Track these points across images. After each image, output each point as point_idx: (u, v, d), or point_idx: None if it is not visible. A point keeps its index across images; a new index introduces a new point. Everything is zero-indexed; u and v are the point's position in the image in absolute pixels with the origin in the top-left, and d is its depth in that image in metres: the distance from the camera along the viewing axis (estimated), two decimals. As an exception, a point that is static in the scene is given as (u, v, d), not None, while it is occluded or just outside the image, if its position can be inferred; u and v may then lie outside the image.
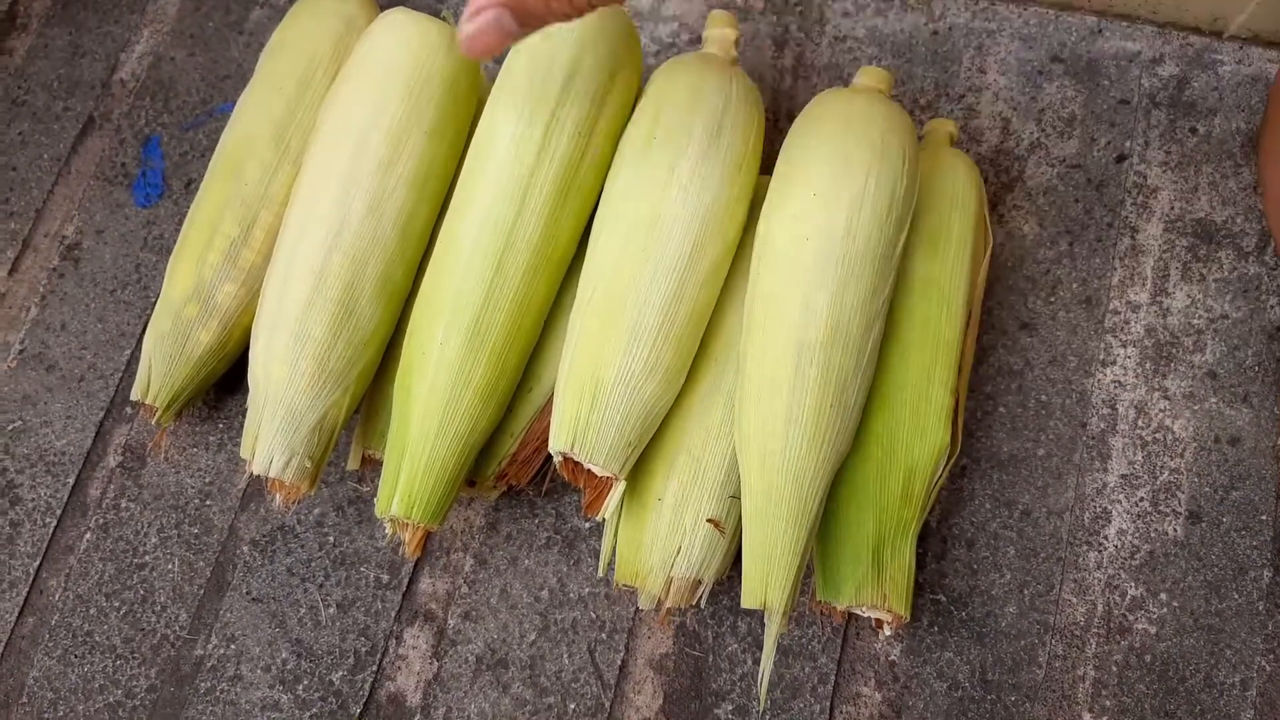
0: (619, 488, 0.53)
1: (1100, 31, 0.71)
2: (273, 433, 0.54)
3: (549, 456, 0.58)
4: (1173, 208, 0.66)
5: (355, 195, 0.55)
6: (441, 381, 0.53)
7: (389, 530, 0.55)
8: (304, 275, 0.54)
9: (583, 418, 0.52)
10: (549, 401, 0.58)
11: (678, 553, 0.54)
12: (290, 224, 0.56)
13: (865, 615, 0.55)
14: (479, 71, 0.61)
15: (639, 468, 0.55)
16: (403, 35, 0.58)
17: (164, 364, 0.60)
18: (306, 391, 0.54)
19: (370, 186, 0.55)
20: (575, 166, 0.55)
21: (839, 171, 0.52)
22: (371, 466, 0.61)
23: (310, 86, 0.63)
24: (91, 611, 0.62)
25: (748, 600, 0.51)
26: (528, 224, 0.54)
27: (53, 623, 0.62)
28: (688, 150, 0.54)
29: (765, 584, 0.51)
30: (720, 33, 0.59)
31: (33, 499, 0.64)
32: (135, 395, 0.60)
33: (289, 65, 0.63)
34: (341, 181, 0.55)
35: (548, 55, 0.55)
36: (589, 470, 0.53)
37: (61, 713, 0.60)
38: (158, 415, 0.60)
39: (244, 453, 0.55)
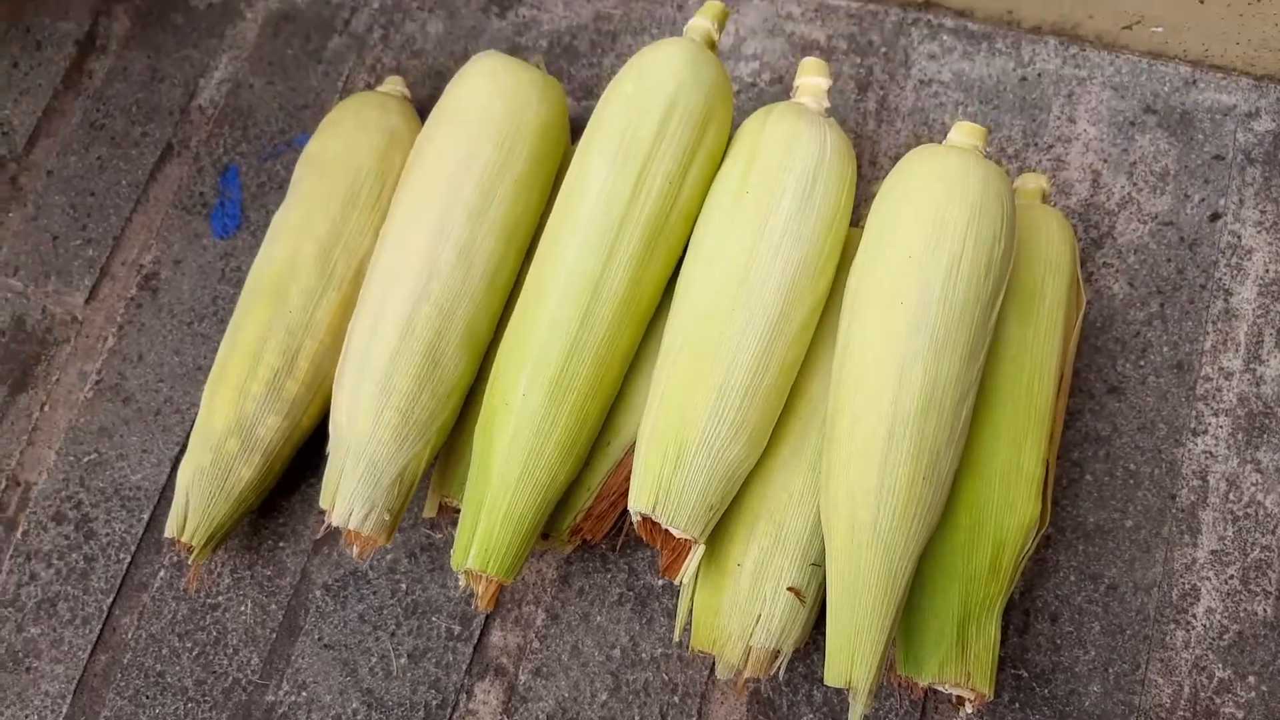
0: (698, 551, 0.52)
1: (1194, 82, 0.69)
2: (354, 485, 0.54)
3: (624, 512, 0.57)
4: (1268, 270, 0.64)
5: (445, 244, 0.55)
6: (523, 432, 0.53)
7: (463, 582, 0.55)
8: (392, 325, 0.54)
9: (665, 478, 0.51)
10: (626, 455, 0.58)
11: (757, 621, 0.53)
12: (378, 269, 0.56)
13: (947, 691, 0.54)
14: (567, 116, 0.60)
15: (718, 530, 0.54)
16: (497, 82, 0.57)
17: (203, 501, 0.58)
18: (389, 444, 0.54)
19: (461, 235, 0.55)
20: (664, 217, 0.54)
21: (935, 233, 0.51)
22: (447, 514, 0.60)
23: (356, 206, 0.61)
24: (164, 651, 0.62)
25: (831, 678, 0.50)
26: (614, 276, 0.53)
27: (125, 661, 0.62)
28: (780, 207, 0.53)
29: (850, 662, 0.50)
30: (813, 82, 0.58)
31: (107, 534, 0.65)
32: (170, 533, 0.58)
33: (333, 183, 0.62)
34: (432, 229, 0.55)
35: (641, 105, 0.55)
36: (668, 531, 0.52)
37: (133, 750, 0.60)
38: (195, 553, 0.58)
39: (323, 503, 0.55)
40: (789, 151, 0.54)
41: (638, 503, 0.52)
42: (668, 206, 0.55)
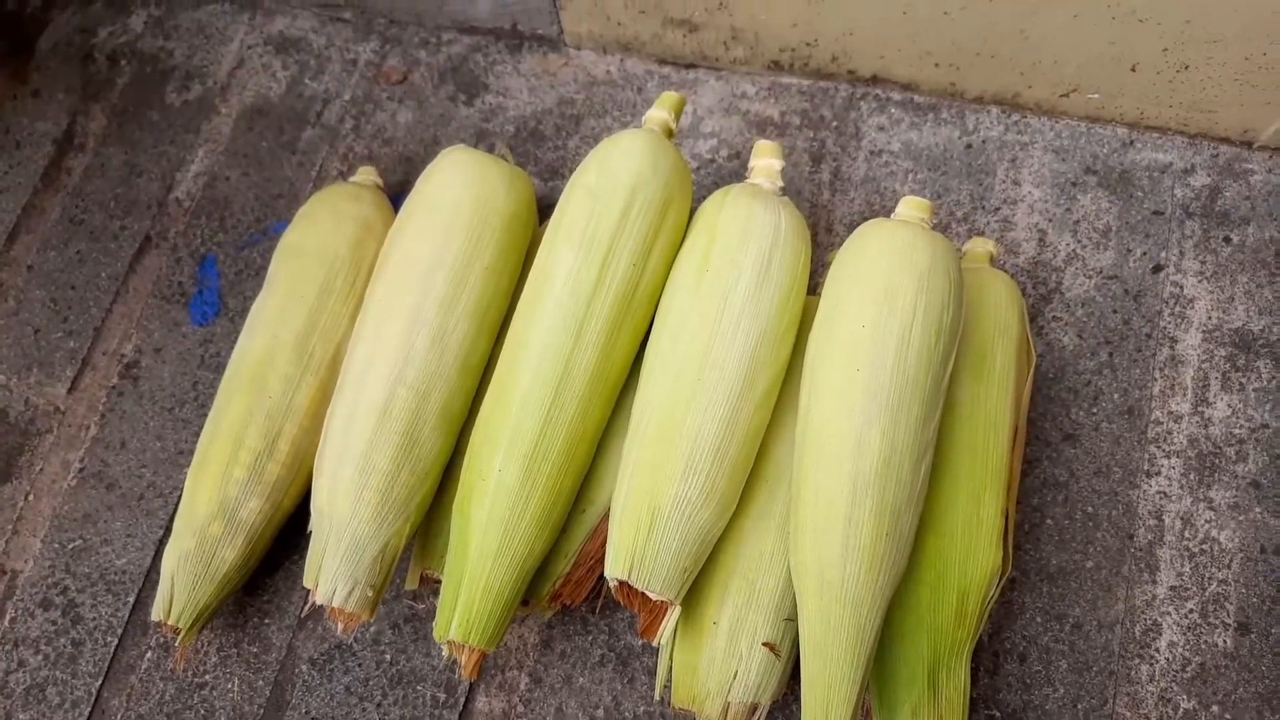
0: (674, 612, 0.54)
1: (1132, 143, 0.72)
2: (336, 564, 0.55)
3: (601, 575, 0.59)
4: (1210, 317, 0.67)
5: (420, 332, 0.57)
6: (500, 507, 0.54)
7: (446, 653, 0.56)
8: (370, 409, 0.56)
9: (639, 545, 0.53)
10: (602, 521, 0.59)
11: (734, 678, 0.54)
12: (356, 357, 0.58)
13: (921, 735, 0.55)
14: (534, 204, 0.63)
15: (694, 591, 0.56)
16: (466, 175, 0.60)
17: (188, 584, 0.59)
18: (370, 522, 0.55)
19: (434, 323, 0.57)
20: (629, 298, 0.57)
21: (886, 303, 0.54)
22: (428, 585, 0.62)
23: (331, 294, 0.63)
24: (152, 732, 0.63)
25: None
26: (584, 353, 0.56)
27: (114, 743, 0.63)
28: (739, 284, 0.55)
29: (825, 713, 0.51)
30: (766, 163, 0.61)
31: (94, 618, 0.66)
32: (157, 616, 0.59)
33: (309, 273, 0.64)
34: (407, 318, 0.57)
35: (604, 195, 0.57)
36: (645, 595, 0.54)
37: (123, 835, 0.61)
38: (182, 635, 0.59)
39: (307, 582, 0.56)
40: (746, 231, 0.57)
41: (614, 569, 0.54)
42: (632, 288, 0.57)
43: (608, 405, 0.58)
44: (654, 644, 0.54)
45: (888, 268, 0.54)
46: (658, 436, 0.54)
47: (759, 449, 0.57)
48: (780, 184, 0.60)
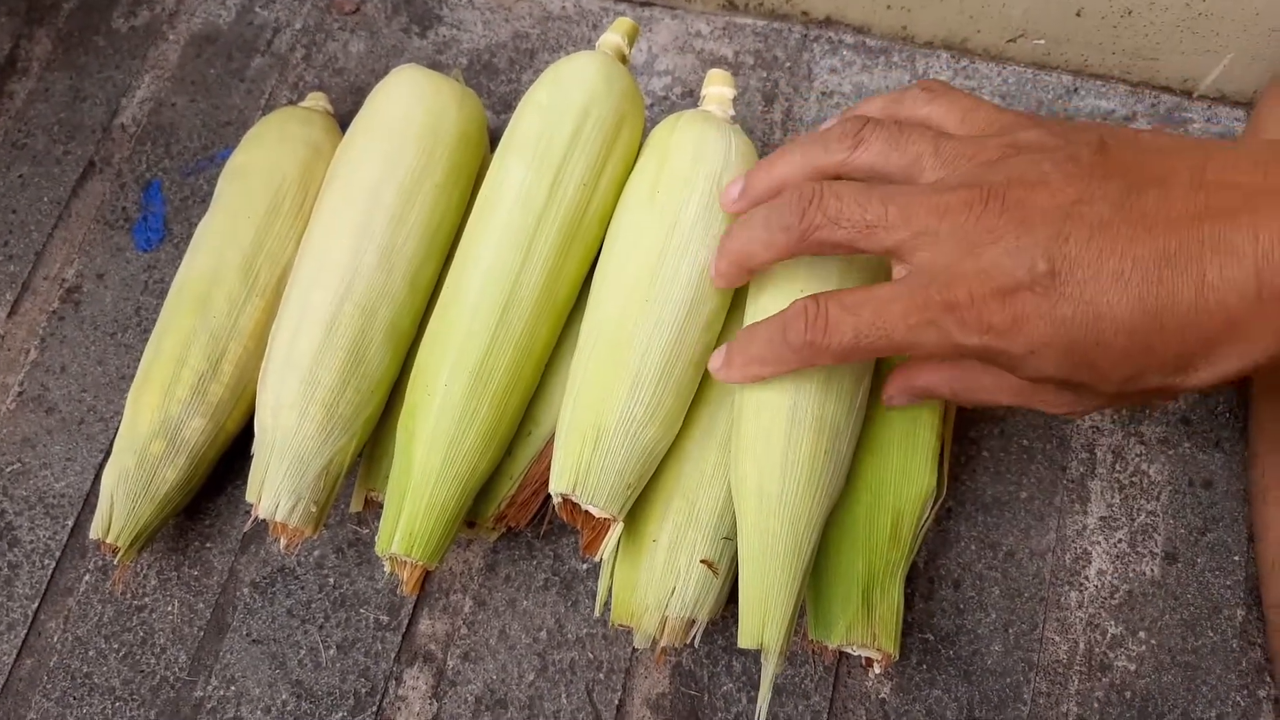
0: (617, 529, 0.54)
1: (1076, 90, 0.74)
2: (280, 478, 0.55)
3: (547, 499, 0.59)
4: (1146, 259, 0.68)
5: (368, 248, 0.57)
6: (445, 423, 0.55)
7: (388, 569, 0.56)
8: (315, 324, 0.56)
9: (584, 461, 0.53)
10: (548, 444, 0.60)
11: (672, 593, 0.55)
12: (301, 272, 0.58)
13: (856, 654, 0.57)
14: (485, 126, 0.63)
15: (635, 510, 0.57)
16: (417, 91, 0.60)
17: (127, 502, 0.59)
18: (314, 437, 0.55)
19: (382, 239, 0.57)
20: (579, 218, 0.57)
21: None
22: (373, 509, 0.62)
23: (279, 215, 0.63)
24: (90, 653, 0.62)
25: (745, 640, 0.53)
26: (533, 271, 0.56)
27: (51, 664, 0.62)
28: (689, 204, 0.56)
29: (762, 624, 0.52)
30: (718, 91, 0.61)
31: (31, 540, 0.65)
32: (95, 534, 0.59)
33: (256, 193, 0.63)
34: (354, 234, 0.57)
35: (556, 112, 0.57)
36: (588, 511, 0.54)
37: (60, 754, 0.60)
38: (120, 554, 0.59)
39: (250, 496, 0.56)
40: (697, 154, 0.57)
41: (558, 484, 0.54)
42: (583, 207, 0.58)
43: (556, 325, 0.58)
44: (595, 559, 0.55)
45: None
46: (604, 354, 0.55)
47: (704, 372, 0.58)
48: (732, 112, 0.61)
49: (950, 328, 0.42)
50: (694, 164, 0.57)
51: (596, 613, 0.59)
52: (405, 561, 0.55)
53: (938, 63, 0.75)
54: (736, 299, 0.58)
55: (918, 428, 0.57)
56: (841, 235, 0.45)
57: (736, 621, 0.59)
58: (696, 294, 0.55)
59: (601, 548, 0.55)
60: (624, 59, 0.62)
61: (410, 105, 0.60)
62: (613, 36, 0.62)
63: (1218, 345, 0.40)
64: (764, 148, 0.73)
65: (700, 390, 0.58)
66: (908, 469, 0.57)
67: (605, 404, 0.54)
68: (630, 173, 0.60)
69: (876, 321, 0.44)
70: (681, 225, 0.56)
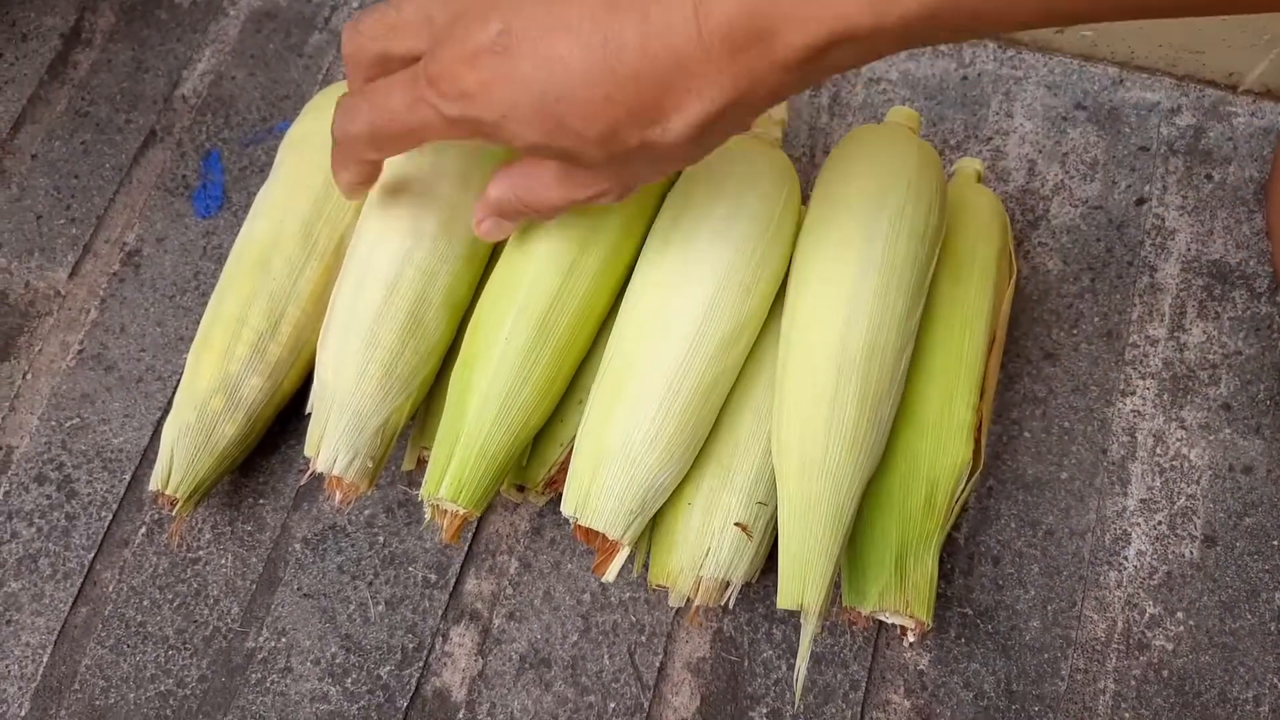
0: (622, 554, 0.55)
1: (1122, 82, 0.74)
2: (338, 433, 0.56)
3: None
4: (1189, 249, 0.69)
5: (430, 212, 0.58)
6: (504, 373, 0.56)
7: (428, 515, 0.57)
8: (377, 284, 0.57)
9: (585, 485, 0.55)
10: (597, 412, 0.61)
11: (706, 554, 0.56)
12: (365, 233, 0.59)
13: (889, 621, 0.57)
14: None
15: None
16: None
17: (187, 456, 0.60)
18: (373, 395, 0.56)
19: (445, 204, 0.58)
20: (651, 188, 0.58)
21: (877, 200, 0.56)
22: (424, 469, 0.63)
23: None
24: (145, 603, 0.64)
25: (784, 601, 0.54)
26: (602, 233, 0.57)
27: (106, 613, 0.64)
28: (702, 233, 0.57)
29: (802, 585, 0.53)
30: (764, 113, 0.62)
31: (89, 493, 0.67)
32: (154, 486, 0.60)
33: (316, 162, 0.64)
34: (417, 196, 0.58)
35: None
36: (601, 533, 0.55)
37: (113, 700, 0.62)
38: (178, 506, 0.61)
39: (308, 451, 0.57)
40: (720, 181, 0.58)
41: (566, 507, 0.55)
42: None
43: (614, 291, 0.59)
44: (602, 580, 0.55)
45: (879, 167, 0.57)
46: (613, 379, 0.56)
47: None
48: (778, 135, 0.61)
49: (436, 101, 0.43)
50: (713, 195, 0.58)
51: (634, 572, 0.60)
52: (447, 509, 0.56)
53: (984, 52, 0.76)
54: (770, 325, 0.59)
55: (954, 403, 0.58)
56: (378, 46, 0.47)
57: (776, 589, 0.60)
58: (705, 321, 0.56)
59: (608, 571, 0.55)
60: None
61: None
62: None
63: (674, 90, 0.40)
64: (811, 131, 0.74)
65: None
66: (943, 441, 0.58)
67: (607, 429, 0.55)
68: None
69: (384, 104, 0.46)
70: (693, 253, 0.57)
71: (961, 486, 0.58)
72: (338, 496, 0.58)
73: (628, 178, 0.47)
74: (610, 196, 0.47)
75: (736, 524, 0.56)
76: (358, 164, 0.50)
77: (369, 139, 0.47)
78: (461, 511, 0.56)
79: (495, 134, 0.43)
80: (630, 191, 0.48)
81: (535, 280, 0.56)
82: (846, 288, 0.54)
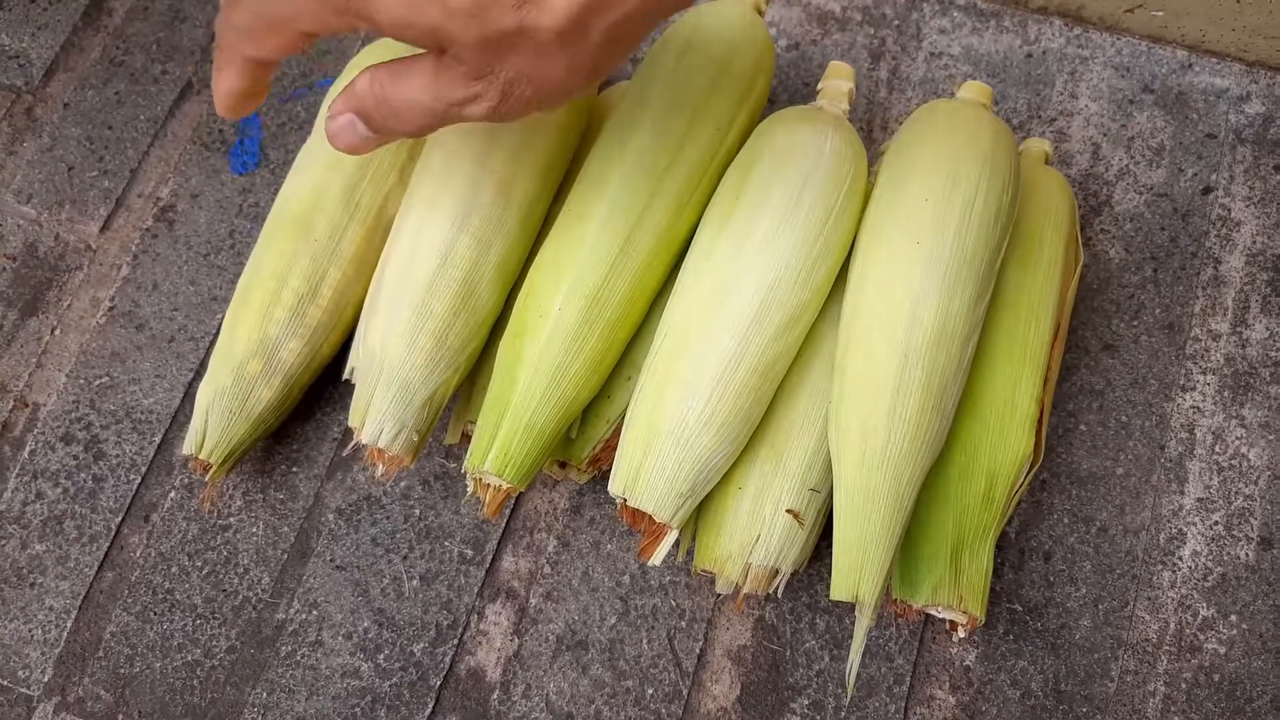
0: (670, 537, 0.53)
1: (1190, 66, 0.72)
2: (385, 405, 0.55)
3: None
4: (1254, 242, 0.67)
5: (485, 181, 0.56)
6: (555, 346, 0.54)
7: (470, 488, 0.55)
8: (430, 254, 0.55)
9: (635, 464, 0.53)
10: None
11: (756, 541, 0.55)
12: (417, 199, 0.57)
13: (940, 616, 0.56)
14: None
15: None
16: None
17: (222, 419, 0.59)
18: (422, 367, 0.55)
19: (500, 173, 0.57)
20: (708, 162, 0.57)
21: (950, 180, 0.54)
22: (466, 444, 0.62)
23: None
24: (173, 570, 0.63)
25: (838, 592, 0.52)
26: (657, 208, 0.56)
27: (133, 579, 0.63)
28: (764, 215, 0.55)
29: (858, 577, 0.52)
30: (832, 85, 0.60)
31: (117, 455, 0.65)
32: (188, 450, 0.59)
33: None
34: (472, 166, 0.56)
35: (700, 52, 0.57)
36: (649, 515, 0.54)
37: (138, 668, 0.61)
38: (211, 472, 0.59)
39: (353, 421, 0.56)
40: (784, 158, 0.56)
41: (614, 486, 0.54)
42: (713, 151, 0.57)
43: (668, 266, 0.58)
44: (647, 564, 0.53)
45: (953, 145, 0.54)
46: (667, 357, 0.54)
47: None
48: (846, 106, 0.59)
49: None
50: (775, 172, 0.56)
51: (679, 557, 0.59)
52: (490, 484, 0.54)
53: (1050, 29, 0.74)
54: (827, 306, 0.57)
55: (1017, 393, 0.56)
56: None
57: (822, 579, 0.59)
58: (762, 306, 0.54)
59: (655, 555, 0.54)
60: (760, 11, 0.62)
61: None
62: None
63: None
64: (869, 105, 0.72)
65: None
66: (1005, 432, 0.56)
67: (660, 407, 0.53)
68: (755, 126, 0.59)
69: None
70: (753, 239, 0.54)
71: (1021, 479, 0.56)
72: (380, 470, 0.56)
73: (509, 80, 0.41)
74: (487, 104, 0.42)
75: (788, 510, 0.55)
76: (240, 64, 0.45)
77: (248, 30, 0.43)
78: (506, 486, 0.54)
79: (364, 10, 0.40)
80: (516, 106, 0.43)
81: (590, 252, 0.55)
82: (915, 273, 0.52)
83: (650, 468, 0.53)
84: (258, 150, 0.73)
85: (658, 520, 0.53)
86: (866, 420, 0.52)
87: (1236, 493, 0.62)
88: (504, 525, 0.63)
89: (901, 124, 0.70)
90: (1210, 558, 0.61)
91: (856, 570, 0.52)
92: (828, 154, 0.56)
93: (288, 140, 0.73)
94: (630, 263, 0.55)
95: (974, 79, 0.72)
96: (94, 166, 0.73)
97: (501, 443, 0.53)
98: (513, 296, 0.58)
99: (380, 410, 0.55)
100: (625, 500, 0.53)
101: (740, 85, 0.58)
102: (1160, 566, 0.61)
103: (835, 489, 0.54)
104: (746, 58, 0.58)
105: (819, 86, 0.61)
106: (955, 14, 0.74)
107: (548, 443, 0.54)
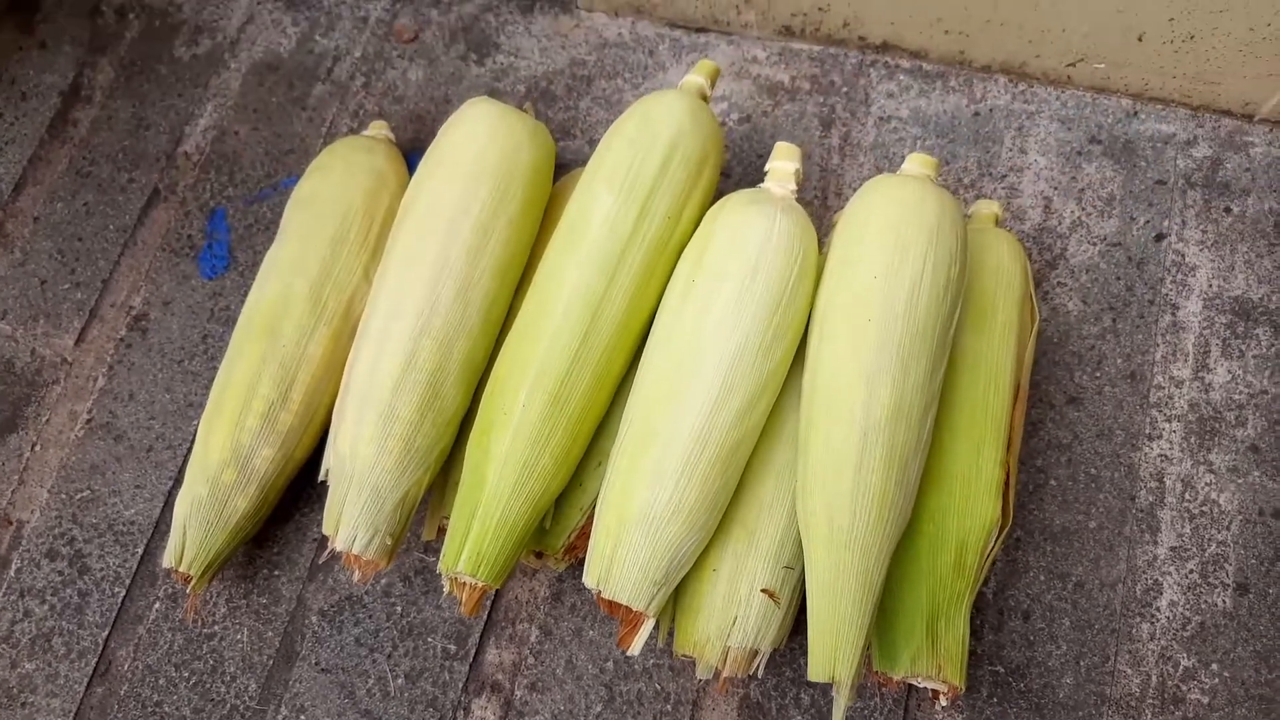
0: (648, 625, 0.54)
1: (1136, 114, 0.73)
2: (357, 511, 0.55)
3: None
4: (1211, 285, 0.68)
5: (445, 282, 0.57)
6: (521, 442, 0.55)
7: (446, 588, 0.56)
8: (395, 358, 0.56)
9: (608, 555, 0.53)
10: (614, 475, 0.60)
11: (734, 623, 0.55)
12: (379, 303, 0.58)
13: (922, 685, 0.56)
14: (554, 159, 0.63)
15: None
16: (491, 126, 0.61)
17: (200, 530, 0.59)
18: (392, 471, 0.56)
19: (460, 273, 0.57)
20: (663, 247, 0.58)
21: (897, 255, 0.54)
22: (443, 537, 0.62)
23: (346, 243, 0.64)
24: (161, 682, 0.63)
25: (815, 674, 0.53)
26: (615, 299, 0.56)
27: (122, 693, 0.63)
28: (721, 295, 0.55)
29: (833, 658, 0.52)
30: (780, 166, 0.61)
31: (101, 568, 0.66)
32: (168, 563, 0.59)
33: (323, 222, 0.64)
34: (432, 268, 0.57)
35: (645, 145, 0.58)
36: (625, 605, 0.54)
37: (132, 781, 0.61)
38: (193, 583, 0.60)
39: (326, 529, 0.57)
40: (735, 240, 0.57)
41: (588, 578, 0.54)
42: (665, 239, 0.58)
43: (629, 355, 0.58)
44: (627, 654, 0.54)
45: (898, 220, 0.55)
46: (632, 446, 0.55)
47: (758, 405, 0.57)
48: (793, 187, 0.60)
49: None
50: (731, 250, 0.56)
51: (660, 642, 0.59)
52: (466, 582, 0.55)
53: (995, 86, 0.75)
54: (790, 383, 0.58)
55: (981, 459, 0.57)
56: None
57: (804, 653, 0.59)
58: (724, 386, 0.54)
59: (633, 644, 0.54)
60: (706, 98, 0.63)
61: (485, 140, 0.60)
62: (696, 78, 0.63)
63: None
64: (822, 173, 0.73)
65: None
66: (971, 499, 0.57)
67: (628, 498, 0.54)
68: (707, 209, 0.60)
69: None
70: (709, 319, 0.55)
71: (991, 545, 0.56)
72: (357, 574, 0.57)
73: None
74: None
75: (763, 590, 0.55)
76: None
77: None
78: (481, 584, 0.55)
79: None
80: None
81: (551, 346, 0.55)
82: (869, 350, 0.53)
83: (622, 559, 0.53)
84: (226, 254, 0.74)
85: (634, 609, 0.53)
86: (831, 500, 0.53)
87: (1209, 539, 0.62)
88: (486, 617, 0.63)
89: (854, 192, 0.71)
90: (1188, 607, 0.61)
91: (832, 650, 0.52)
92: (776, 236, 0.57)
93: (255, 241, 0.74)
94: (591, 354, 0.56)
95: (924, 140, 0.73)
96: (66, 279, 0.74)
97: (474, 542, 0.54)
98: (479, 393, 0.59)
99: (353, 517, 0.55)
100: (600, 592, 0.54)
101: (689, 172, 0.59)
102: (1139, 619, 0.61)
103: (807, 568, 0.54)
104: (694, 145, 0.59)
105: (766, 168, 0.62)
106: (902, 77, 0.76)
107: (520, 538, 0.55)
